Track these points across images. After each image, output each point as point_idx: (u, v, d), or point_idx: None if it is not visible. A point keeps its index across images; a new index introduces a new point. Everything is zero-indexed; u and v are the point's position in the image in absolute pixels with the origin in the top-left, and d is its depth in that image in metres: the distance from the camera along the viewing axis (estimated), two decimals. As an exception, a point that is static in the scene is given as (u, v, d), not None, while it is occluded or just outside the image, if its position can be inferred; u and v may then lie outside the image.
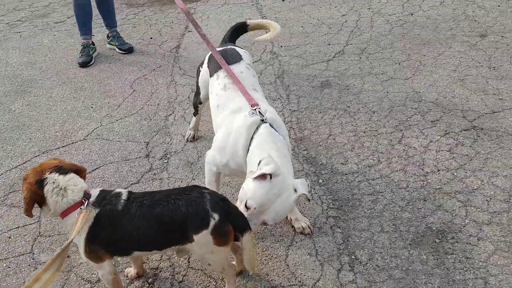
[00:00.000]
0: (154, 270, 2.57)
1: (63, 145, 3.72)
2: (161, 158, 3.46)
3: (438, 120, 3.63)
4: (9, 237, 2.89)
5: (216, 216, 2.01)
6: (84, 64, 5.02)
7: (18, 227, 2.96)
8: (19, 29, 6.37)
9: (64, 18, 6.69)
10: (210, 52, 2.91)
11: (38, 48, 5.61)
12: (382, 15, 5.63)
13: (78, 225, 1.94)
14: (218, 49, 2.93)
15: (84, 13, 5.07)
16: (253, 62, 4.57)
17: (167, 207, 2.02)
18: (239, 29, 3.36)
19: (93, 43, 5.25)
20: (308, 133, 3.57)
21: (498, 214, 2.75)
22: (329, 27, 5.43)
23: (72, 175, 2.09)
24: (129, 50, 5.27)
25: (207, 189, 2.15)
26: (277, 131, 2.38)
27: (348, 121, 3.68)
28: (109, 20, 5.31)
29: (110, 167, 3.40)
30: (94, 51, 5.21)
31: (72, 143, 3.74)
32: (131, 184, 3.22)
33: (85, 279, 2.55)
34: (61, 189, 2.03)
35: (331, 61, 4.63)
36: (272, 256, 2.59)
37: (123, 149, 3.59)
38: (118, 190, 2.14)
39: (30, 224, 2.97)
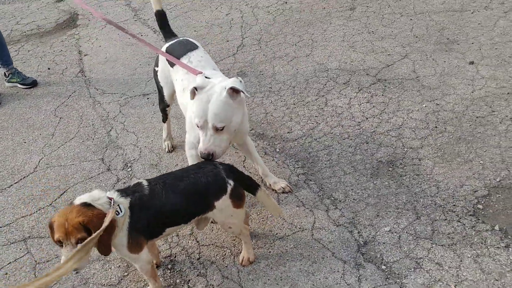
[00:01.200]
0: (169, 257, 2.82)
1: (15, 181, 3.71)
2: (123, 168, 3.64)
3: (348, 81, 4.26)
4: (6, 274, 2.92)
5: (231, 182, 2.37)
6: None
7: (10, 263, 2.98)
8: None
9: None
10: (164, 47, 3.16)
11: None
12: (261, 8, 6.21)
13: (107, 221, 2.06)
14: (173, 41, 3.17)
15: None
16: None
17: (189, 181, 2.33)
18: (160, 16, 3.43)
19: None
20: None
21: (425, 138, 3.42)
22: (219, 26, 5.87)
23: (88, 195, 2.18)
24: (34, 84, 5.22)
25: (217, 162, 2.49)
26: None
27: (276, 99, 4.16)
28: (5, 57, 5.20)
29: (77, 188, 3.51)
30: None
31: (24, 177, 3.74)
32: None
33: (104, 284, 2.71)
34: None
35: (236, 55, 5.08)
36: (267, 217, 2.97)
37: (82, 170, 3.70)
38: (135, 181, 2.38)
39: (22, 257, 3.01)
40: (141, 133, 4.02)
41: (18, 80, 5.24)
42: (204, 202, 2.35)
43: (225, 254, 2.77)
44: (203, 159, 2.47)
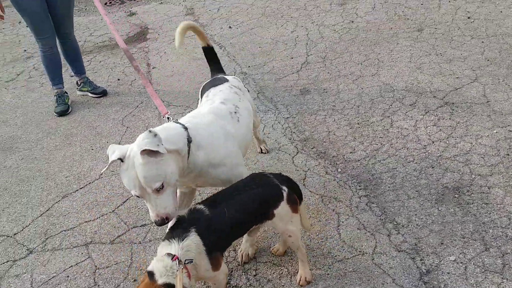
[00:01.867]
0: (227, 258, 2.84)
1: (81, 187, 3.85)
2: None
3: (415, 103, 4.16)
4: (67, 276, 3.01)
5: (285, 188, 2.42)
6: (62, 113, 5.14)
7: (71, 266, 3.09)
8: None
9: (14, 76, 6.68)
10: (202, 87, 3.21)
11: (3, 107, 5.61)
12: (327, 26, 6.19)
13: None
14: (212, 78, 3.23)
15: (53, 64, 5.17)
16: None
17: (245, 194, 2.37)
18: (206, 52, 3.51)
19: (66, 92, 5.36)
20: (309, 134, 3.97)
21: (496, 166, 3.27)
22: (284, 43, 5.90)
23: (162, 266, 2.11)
24: (104, 93, 5.43)
25: (265, 171, 2.60)
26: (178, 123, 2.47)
27: (339, 118, 4.12)
28: (79, 67, 5.45)
29: (140, 196, 3.59)
30: (69, 99, 5.33)
31: (89, 183, 3.88)
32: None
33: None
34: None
35: (300, 72, 5.08)
36: (327, 237, 2.92)
37: (145, 179, 3.79)
38: (183, 211, 2.35)
39: (83, 261, 3.11)
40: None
41: (89, 89, 5.46)
42: (263, 211, 2.39)
43: (282, 272, 2.75)
44: (159, 226, 2.29)
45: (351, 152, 3.66)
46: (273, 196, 2.38)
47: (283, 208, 2.39)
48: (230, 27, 6.84)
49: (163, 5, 8.69)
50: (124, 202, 3.57)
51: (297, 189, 2.53)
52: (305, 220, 2.67)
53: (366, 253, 2.77)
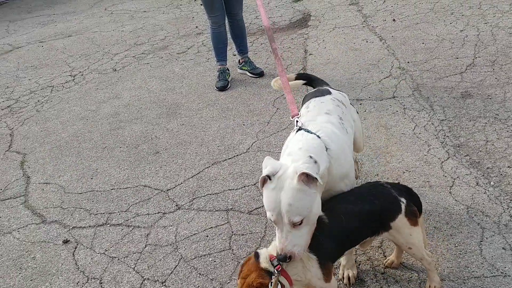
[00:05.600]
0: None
1: (229, 157, 4.08)
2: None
3: None
4: (207, 236, 3.22)
5: (403, 200, 2.30)
6: (222, 88, 5.46)
7: (211, 227, 3.28)
8: (147, 61, 6.94)
9: (184, 49, 7.21)
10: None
11: (172, 76, 6.10)
12: (502, 28, 5.71)
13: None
14: (315, 88, 3.05)
15: (220, 41, 5.50)
16: (384, 78, 4.83)
17: (363, 204, 2.28)
18: (304, 77, 3.37)
19: (228, 69, 5.67)
20: (464, 140, 3.72)
21: None
22: (450, 42, 5.57)
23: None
24: (261, 74, 5.65)
25: (382, 181, 2.45)
26: (312, 133, 2.29)
27: (501, 128, 3.79)
28: (242, 47, 5.73)
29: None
30: (229, 76, 5.63)
31: (237, 155, 4.08)
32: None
33: None
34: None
35: (464, 73, 4.77)
36: (466, 251, 2.73)
37: (287, 161, 3.88)
38: None
39: (222, 225, 3.29)
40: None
41: (248, 68, 5.71)
42: (380, 223, 2.30)
43: (411, 277, 2.64)
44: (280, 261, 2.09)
45: (508, 166, 3.36)
46: (390, 208, 2.28)
47: (400, 220, 2.28)
48: (393, 20, 6.64)
49: (329, -7, 8.71)
50: (265, 179, 3.70)
51: (417, 201, 2.41)
52: (423, 235, 2.50)
53: (508, 275, 2.54)
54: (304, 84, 3.31)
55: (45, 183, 4.17)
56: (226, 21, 5.48)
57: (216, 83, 5.53)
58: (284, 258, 2.02)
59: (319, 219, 2.16)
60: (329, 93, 2.81)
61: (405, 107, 4.34)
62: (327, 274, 2.18)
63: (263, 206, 3.31)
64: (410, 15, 6.71)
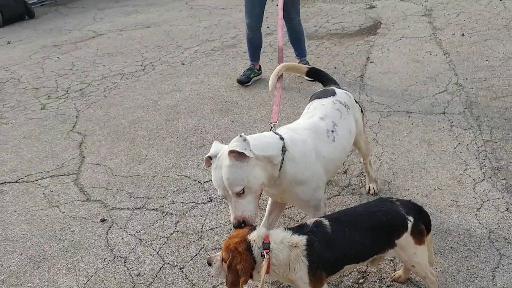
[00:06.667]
0: (362, 273, 2.82)
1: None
2: (358, 176, 3.74)
3: None
4: (230, 229, 3.35)
5: (411, 218, 2.31)
6: (240, 82, 5.82)
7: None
8: (214, 57, 7.19)
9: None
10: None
11: (233, 74, 6.29)
12: None
13: (263, 271, 2.15)
14: (323, 88, 3.18)
15: (252, 45, 5.82)
16: (439, 93, 4.73)
17: (370, 219, 2.31)
18: (313, 74, 3.46)
19: (259, 68, 5.93)
20: (505, 164, 3.61)
21: None
22: (517, 61, 5.35)
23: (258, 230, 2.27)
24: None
25: (392, 198, 2.46)
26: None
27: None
28: (300, 50, 5.82)
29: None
30: (256, 75, 5.90)
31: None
32: (333, 196, 3.54)
33: None
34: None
35: (524, 95, 4.58)
36: (477, 276, 2.69)
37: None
38: (309, 220, 2.38)
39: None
40: (389, 148, 4.03)
41: None
42: (385, 240, 2.32)
43: (416, 293, 2.65)
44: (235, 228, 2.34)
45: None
46: (396, 226, 2.30)
47: (406, 239, 2.30)
48: (463, 35, 6.44)
49: (404, 2, 8.58)
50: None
51: (426, 220, 2.41)
52: (431, 255, 2.52)
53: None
54: (312, 81, 3.42)
55: (97, 164, 4.49)
56: (284, 24, 5.60)
57: (239, 76, 5.92)
58: (238, 224, 2.30)
59: (323, 227, 2.27)
60: (334, 94, 2.95)
61: (452, 124, 4.25)
62: (315, 282, 2.22)
63: (291, 206, 3.43)
64: (481, 31, 6.48)
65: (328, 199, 3.54)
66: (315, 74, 3.42)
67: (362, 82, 5.48)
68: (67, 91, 6.60)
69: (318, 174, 2.57)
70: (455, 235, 2.99)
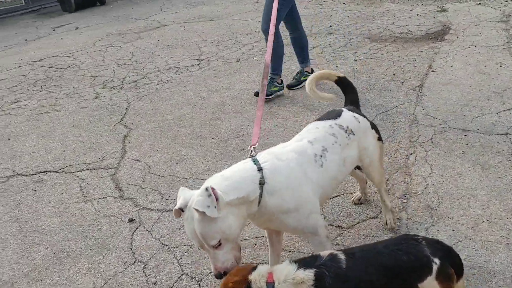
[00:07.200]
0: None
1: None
2: (400, 197, 3.46)
3: None
4: (255, 244, 3.20)
5: (437, 261, 2.05)
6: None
7: (262, 236, 3.25)
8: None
9: (310, 47, 7.11)
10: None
11: (286, 74, 6.07)
12: None
13: None
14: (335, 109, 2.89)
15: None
16: (504, 110, 4.33)
17: (389, 257, 2.07)
18: (342, 84, 3.12)
19: (280, 82, 5.58)
20: None
21: None
22: None
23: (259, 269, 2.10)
24: None
25: (419, 235, 2.20)
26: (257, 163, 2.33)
27: None
28: (302, 58, 5.75)
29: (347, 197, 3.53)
30: (277, 90, 5.52)
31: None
32: (370, 217, 3.31)
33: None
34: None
35: None
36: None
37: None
38: (324, 252, 2.16)
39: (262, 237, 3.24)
40: (438, 169, 3.72)
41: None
42: (405, 283, 2.06)
43: None
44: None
45: None
46: (419, 268, 2.04)
47: (429, 283, 2.03)
48: (540, 46, 5.91)
49: (479, 6, 8.03)
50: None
51: (457, 263, 2.14)
52: None
53: None
54: (342, 90, 3.14)
55: (136, 160, 4.46)
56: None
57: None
58: (220, 275, 2.18)
59: (337, 262, 2.07)
60: (336, 117, 2.70)
61: (514, 147, 3.88)
62: None
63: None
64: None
65: (364, 220, 3.31)
66: (343, 85, 3.12)
67: (420, 92, 5.13)
68: (122, 82, 6.67)
69: (308, 199, 2.37)
70: (500, 277, 2.68)
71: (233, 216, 2.15)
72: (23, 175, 4.47)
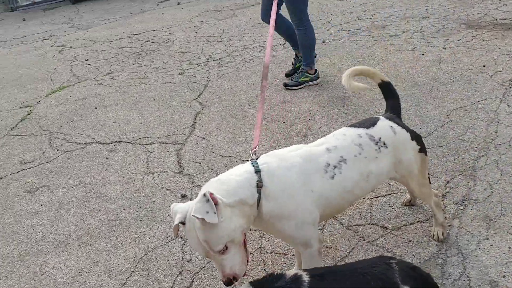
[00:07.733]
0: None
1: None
2: (457, 203, 3.25)
3: None
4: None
5: None
6: (285, 85, 5.47)
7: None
8: (357, 38, 6.83)
9: (399, 32, 6.84)
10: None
11: (369, 59, 5.91)
12: None
13: None
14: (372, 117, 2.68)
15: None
16: None
17: (357, 283, 1.92)
18: (384, 89, 2.86)
19: (313, 72, 5.47)
20: None
21: None
22: None
23: None
24: None
25: (394, 258, 2.02)
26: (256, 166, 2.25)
27: None
28: (307, 61, 5.49)
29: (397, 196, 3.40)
30: (309, 80, 5.45)
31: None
32: (418, 221, 3.15)
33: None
34: None
35: None
36: None
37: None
38: (289, 271, 2.04)
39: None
40: (509, 176, 3.35)
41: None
42: None
43: None
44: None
45: None
46: None
47: None
48: None
49: None
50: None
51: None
52: None
53: None
54: (384, 96, 2.93)
55: (202, 138, 4.61)
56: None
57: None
58: (229, 282, 2.12)
59: (298, 284, 1.94)
60: (372, 125, 2.53)
61: None
62: None
63: (364, 224, 3.15)
64: None
65: (411, 224, 3.14)
66: (386, 90, 2.88)
67: (510, 88, 4.72)
68: (207, 59, 6.86)
69: (303, 208, 2.26)
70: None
71: (236, 217, 2.10)
72: (100, 143, 4.81)
